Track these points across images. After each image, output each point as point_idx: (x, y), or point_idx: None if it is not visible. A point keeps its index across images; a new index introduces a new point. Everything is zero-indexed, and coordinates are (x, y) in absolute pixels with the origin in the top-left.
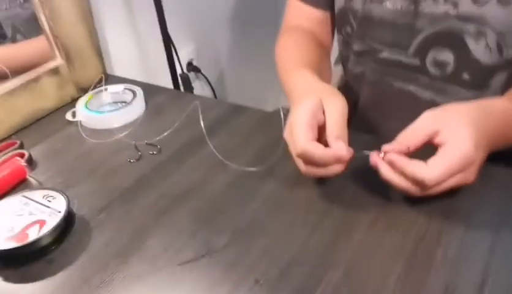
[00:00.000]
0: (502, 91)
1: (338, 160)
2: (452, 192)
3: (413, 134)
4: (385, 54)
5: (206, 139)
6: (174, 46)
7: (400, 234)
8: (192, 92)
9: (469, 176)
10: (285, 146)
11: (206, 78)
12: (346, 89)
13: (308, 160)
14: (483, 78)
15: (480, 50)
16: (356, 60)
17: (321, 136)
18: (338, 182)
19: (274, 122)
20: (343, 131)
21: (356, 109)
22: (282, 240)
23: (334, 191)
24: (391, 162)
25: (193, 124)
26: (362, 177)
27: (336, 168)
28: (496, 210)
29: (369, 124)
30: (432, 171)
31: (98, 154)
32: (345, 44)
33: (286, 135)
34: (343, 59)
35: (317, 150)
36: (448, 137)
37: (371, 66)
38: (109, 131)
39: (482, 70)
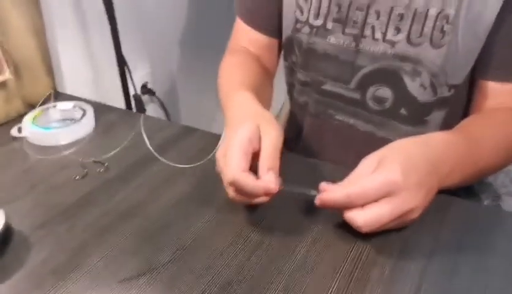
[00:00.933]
0: (442, 128)
1: (266, 193)
2: None
3: (355, 181)
4: (327, 86)
5: (152, 151)
6: (128, 67)
7: (339, 255)
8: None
9: (407, 213)
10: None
11: (160, 101)
12: (291, 116)
13: (238, 189)
14: (420, 114)
15: (416, 88)
16: (301, 90)
17: (253, 162)
18: (280, 205)
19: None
20: (275, 162)
21: (300, 137)
22: (224, 258)
23: (276, 213)
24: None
25: (143, 143)
26: (304, 201)
27: (262, 199)
28: (430, 233)
29: (312, 151)
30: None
31: (43, 170)
32: (291, 72)
33: (219, 156)
34: (289, 87)
35: (248, 182)
36: (380, 167)
37: (314, 97)
38: (56, 149)
39: (419, 107)
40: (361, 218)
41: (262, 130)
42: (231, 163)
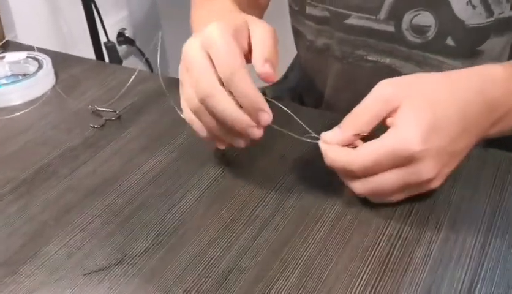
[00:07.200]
0: (501, 60)
1: (257, 108)
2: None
3: (362, 114)
4: (352, 20)
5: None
6: (97, 9)
7: (371, 232)
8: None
9: (423, 174)
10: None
11: (140, 51)
12: (306, 69)
13: (223, 98)
14: (472, 43)
15: (462, 8)
16: (318, 30)
17: None
18: (294, 173)
19: None
20: (273, 54)
21: (324, 90)
22: (220, 241)
23: (289, 183)
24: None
25: (118, 100)
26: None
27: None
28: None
29: (342, 106)
30: (356, 156)
31: None
32: (295, 12)
33: (195, 56)
34: (294, 31)
35: (248, 80)
36: (398, 119)
37: (337, 36)
38: (6, 110)
39: (469, 33)
40: (359, 187)
41: (252, 26)
42: (223, 55)
